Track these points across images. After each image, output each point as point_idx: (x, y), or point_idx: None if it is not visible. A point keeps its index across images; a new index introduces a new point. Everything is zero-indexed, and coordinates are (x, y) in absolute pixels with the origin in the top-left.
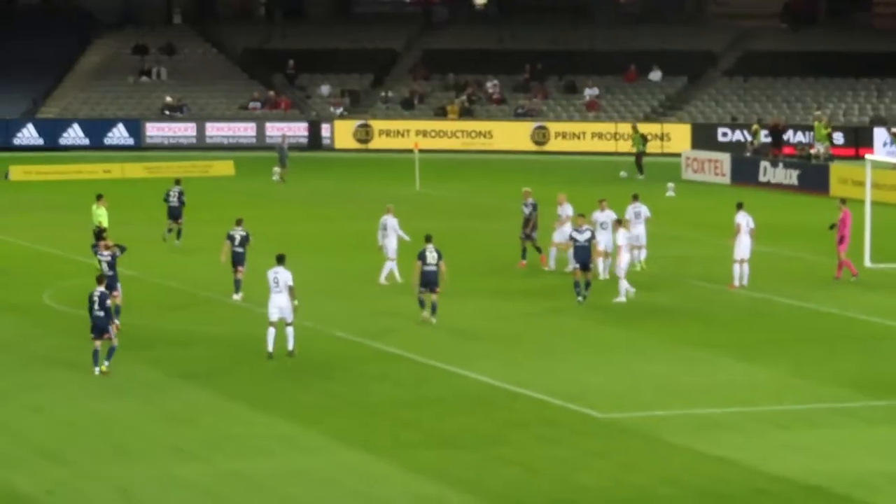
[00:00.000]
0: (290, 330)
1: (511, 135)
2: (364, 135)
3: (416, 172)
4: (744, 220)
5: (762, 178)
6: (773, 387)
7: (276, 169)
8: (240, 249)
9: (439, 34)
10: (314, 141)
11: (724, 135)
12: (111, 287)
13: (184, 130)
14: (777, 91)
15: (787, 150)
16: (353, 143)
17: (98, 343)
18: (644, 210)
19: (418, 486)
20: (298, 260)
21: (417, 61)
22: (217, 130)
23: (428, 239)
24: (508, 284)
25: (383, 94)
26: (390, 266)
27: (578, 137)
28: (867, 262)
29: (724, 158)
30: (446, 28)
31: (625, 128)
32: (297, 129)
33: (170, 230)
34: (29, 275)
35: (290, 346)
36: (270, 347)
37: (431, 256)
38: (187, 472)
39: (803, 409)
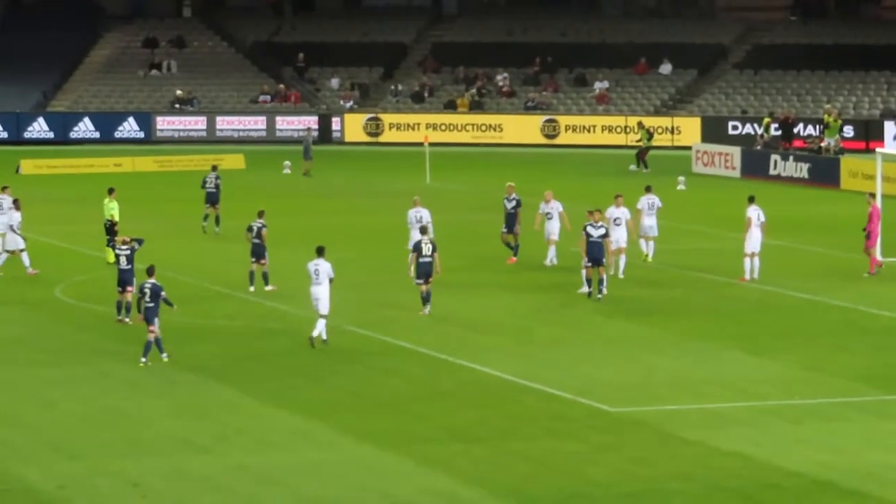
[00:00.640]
0: (321, 322)
1: (521, 128)
2: (374, 128)
3: (427, 166)
4: (755, 213)
5: (772, 172)
6: (784, 381)
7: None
8: (257, 241)
9: (449, 27)
10: (324, 134)
11: (735, 128)
12: (127, 282)
13: (194, 124)
14: (787, 84)
15: (797, 144)
16: (363, 137)
17: (151, 334)
18: (657, 201)
19: (429, 480)
20: (307, 254)
21: (427, 54)
22: (227, 124)
23: (423, 231)
24: (518, 278)
25: (393, 87)
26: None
27: (588, 130)
28: (878, 256)
29: (735, 152)
30: (456, 21)
31: (635, 121)
32: (307, 123)
33: (206, 216)
34: (41, 269)
35: (324, 336)
36: (315, 333)
37: (427, 248)
38: (199, 466)
39: (814, 404)
